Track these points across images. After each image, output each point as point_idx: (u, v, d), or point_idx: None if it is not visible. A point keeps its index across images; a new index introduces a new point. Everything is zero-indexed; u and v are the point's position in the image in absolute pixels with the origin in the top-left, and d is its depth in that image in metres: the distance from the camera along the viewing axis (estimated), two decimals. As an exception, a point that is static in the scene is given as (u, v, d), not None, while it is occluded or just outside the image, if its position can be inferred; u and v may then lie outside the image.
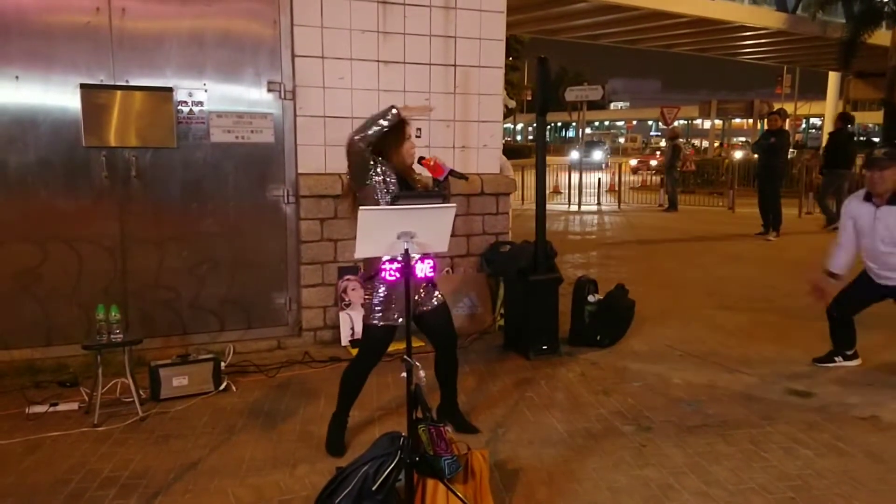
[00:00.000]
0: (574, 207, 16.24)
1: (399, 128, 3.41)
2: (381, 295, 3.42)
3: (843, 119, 11.31)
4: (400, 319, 3.42)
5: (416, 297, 3.52)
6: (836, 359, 4.85)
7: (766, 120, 12.70)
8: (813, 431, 3.80)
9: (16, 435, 3.69)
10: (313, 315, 5.32)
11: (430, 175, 3.52)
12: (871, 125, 50.67)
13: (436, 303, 3.59)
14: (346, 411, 3.63)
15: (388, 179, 3.37)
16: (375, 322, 3.44)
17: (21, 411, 3.97)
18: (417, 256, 2.96)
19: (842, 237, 4.62)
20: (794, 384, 4.51)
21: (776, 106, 17.56)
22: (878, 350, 5.15)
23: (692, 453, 3.54)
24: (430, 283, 3.58)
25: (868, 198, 4.43)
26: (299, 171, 5.16)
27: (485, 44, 5.60)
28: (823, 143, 16.01)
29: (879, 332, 5.40)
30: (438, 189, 3.48)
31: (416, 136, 5.55)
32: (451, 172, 3.49)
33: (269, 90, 5.04)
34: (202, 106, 4.87)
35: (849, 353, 4.86)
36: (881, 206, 4.35)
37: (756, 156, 11.94)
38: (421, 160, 3.50)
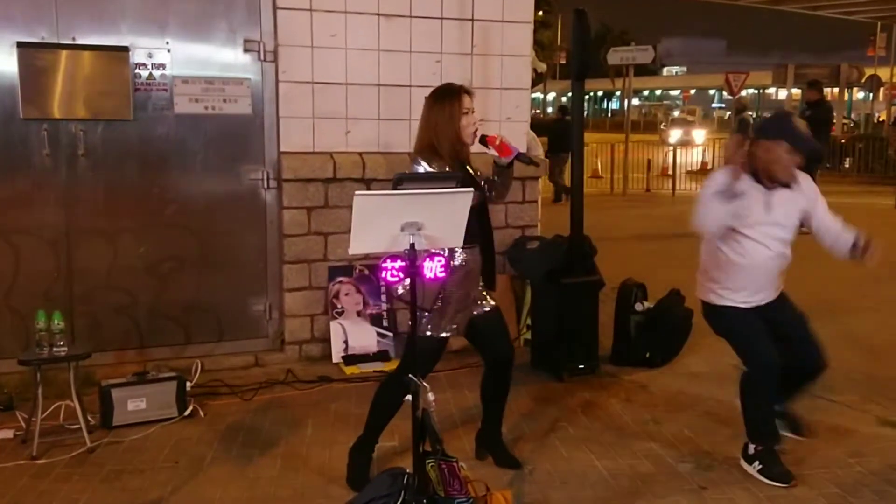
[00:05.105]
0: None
1: (452, 100, 3.44)
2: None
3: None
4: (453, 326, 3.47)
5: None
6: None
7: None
8: (913, 472, 3.76)
9: (-62, 468, 3.72)
10: (298, 325, 5.32)
11: (490, 159, 3.57)
12: None
13: (486, 308, 3.61)
14: (375, 438, 3.61)
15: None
16: (427, 333, 3.44)
17: (-56, 439, 4.00)
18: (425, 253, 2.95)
19: None
20: (890, 414, 4.47)
21: (868, 72, 17.57)
22: None
23: (763, 497, 3.50)
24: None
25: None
26: (282, 149, 5.16)
27: (509, -7, 5.58)
28: None
29: None
30: (493, 178, 3.55)
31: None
32: (519, 156, 3.48)
33: (246, 50, 5.05)
34: (164, 69, 4.89)
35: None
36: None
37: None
38: (485, 139, 3.50)
